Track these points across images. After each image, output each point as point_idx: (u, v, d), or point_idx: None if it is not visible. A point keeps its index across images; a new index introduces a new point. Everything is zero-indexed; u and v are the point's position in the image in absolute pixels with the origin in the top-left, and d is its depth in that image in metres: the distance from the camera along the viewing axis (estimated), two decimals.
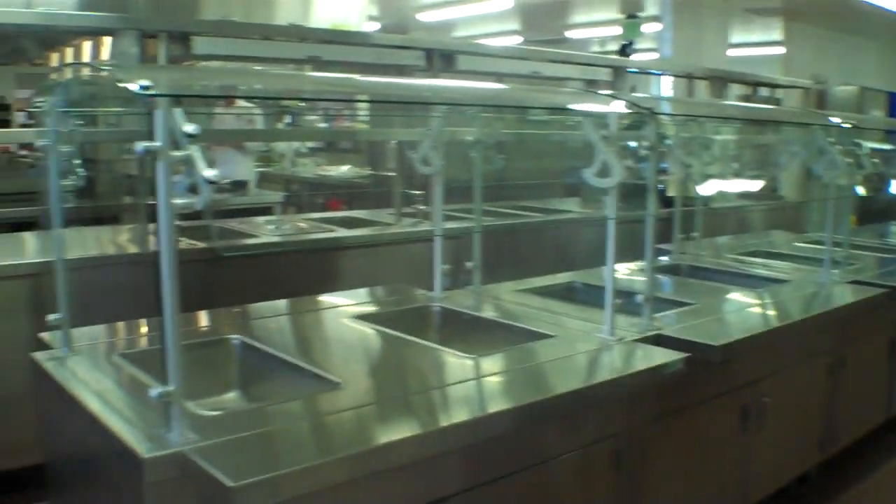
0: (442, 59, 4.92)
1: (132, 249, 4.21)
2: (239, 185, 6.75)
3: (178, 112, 1.74)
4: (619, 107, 2.92)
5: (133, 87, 1.71)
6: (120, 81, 1.84)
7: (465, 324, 3.16)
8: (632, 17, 10.79)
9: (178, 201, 1.77)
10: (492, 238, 3.77)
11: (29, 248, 4.41)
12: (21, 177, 7.54)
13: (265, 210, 6.12)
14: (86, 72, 2.79)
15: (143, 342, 2.73)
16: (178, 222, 1.79)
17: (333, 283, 4.34)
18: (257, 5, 6.83)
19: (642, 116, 2.93)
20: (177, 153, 1.74)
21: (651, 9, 10.27)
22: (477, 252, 3.47)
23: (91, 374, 2.31)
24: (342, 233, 4.85)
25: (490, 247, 3.55)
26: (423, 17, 10.22)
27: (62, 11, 4.53)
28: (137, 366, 2.35)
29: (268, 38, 4.58)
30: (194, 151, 1.74)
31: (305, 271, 4.25)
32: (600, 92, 4.12)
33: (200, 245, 3.96)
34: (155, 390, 1.83)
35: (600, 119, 2.80)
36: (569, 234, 5.63)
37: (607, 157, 2.69)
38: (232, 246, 4.38)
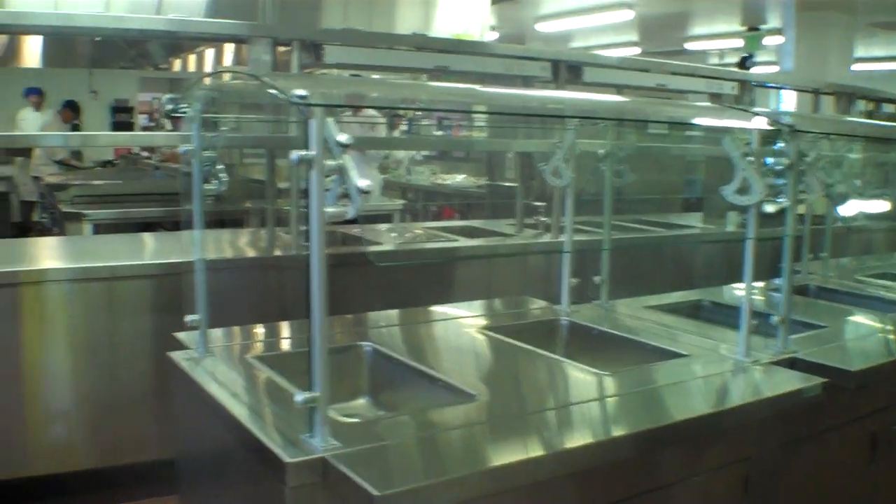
0: (568, 70, 4.87)
1: (257, 253, 4.29)
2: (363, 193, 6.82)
3: (330, 121, 1.76)
4: (760, 122, 2.84)
5: (290, 96, 1.72)
6: (274, 89, 1.86)
7: (594, 340, 3.11)
8: (753, 30, 10.57)
9: (330, 209, 1.78)
10: (613, 252, 3.71)
11: (153, 249, 4.55)
12: (143, 178, 7.81)
13: (384, 217, 6.17)
14: (227, 77, 2.84)
15: (278, 345, 2.77)
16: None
17: (452, 292, 4.34)
18: (379, 14, 6.91)
19: (780, 133, 2.84)
20: (330, 162, 1.75)
21: (773, 21, 10.04)
22: (605, 267, 3.42)
23: (228, 375, 2.35)
24: (465, 242, 4.85)
25: (612, 260, 3.50)
26: (542, 27, 10.18)
27: (195, 19, 4.67)
28: (274, 369, 2.37)
29: (393, 47, 4.61)
30: (347, 161, 1.75)
31: (424, 279, 4.26)
32: (743, 107, 4.03)
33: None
34: (300, 395, 1.84)
35: (741, 135, 2.72)
36: (691, 250, 5.52)
37: (748, 174, 2.62)
38: (382, 254, 4.43)
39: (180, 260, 3.98)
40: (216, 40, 5.42)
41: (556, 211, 4.89)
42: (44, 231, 8.12)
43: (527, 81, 4.86)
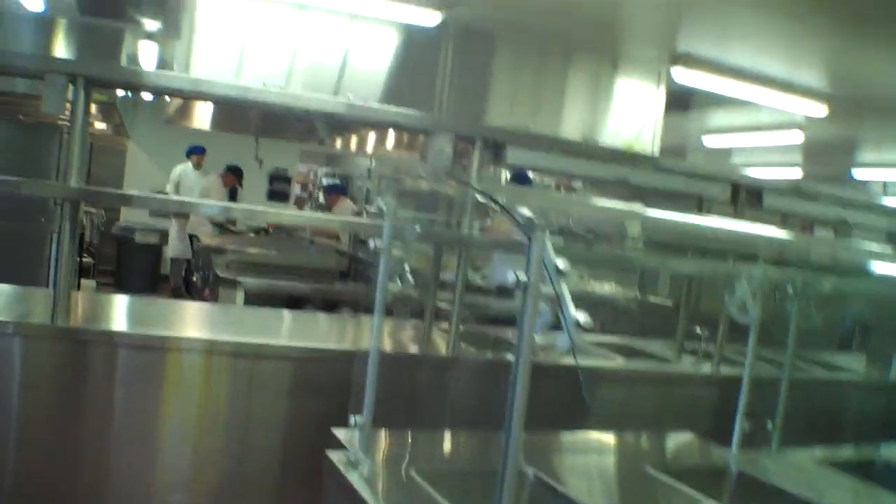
0: (750, 194, 4.67)
1: (418, 350, 4.18)
2: (505, 291, 6.70)
3: (549, 245, 1.64)
4: None
5: (518, 217, 1.62)
6: (495, 203, 1.77)
7: (769, 498, 2.86)
8: None
9: (538, 338, 1.66)
10: (773, 390, 3.46)
11: (299, 330, 4.50)
12: (297, 250, 7.90)
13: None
14: (421, 171, 2.78)
15: (445, 459, 2.65)
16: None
17: (603, 413, 4.13)
18: (546, 113, 6.86)
19: None
20: (545, 288, 1.64)
21: None
22: (780, 412, 3.19)
23: (392, 491, 2.23)
24: (626, 364, 4.63)
25: (774, 400, 3.28)
26: (708, 141, 9.97)
27: (379, 106, 4.69)
28: (439, 488, 2.24)
29: (570, 152, 4.53)
30: (564, 290, 1.63)
31: (571, 395, 4.07)
32: None
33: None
34: None
35: None
36: (855, 396, 5.17)
37: None
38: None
39: (328, 346, 3.94)
40: (397, 128, 5.43)
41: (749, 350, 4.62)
42: (195, 292, 8.31)
43: (702, 202, 4.69)
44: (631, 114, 6.72)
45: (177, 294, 11.00)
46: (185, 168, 10.47)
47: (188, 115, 7.87)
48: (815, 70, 6.27)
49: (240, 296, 5.78)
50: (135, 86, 4.08)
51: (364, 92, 5.81)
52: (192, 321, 4.36)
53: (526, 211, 1.62)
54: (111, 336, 3.52)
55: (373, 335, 2.45)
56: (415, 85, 6.04)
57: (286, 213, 4.72)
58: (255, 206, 5.30)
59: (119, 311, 4.32)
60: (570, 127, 6.66)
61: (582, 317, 1.60)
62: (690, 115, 8.94)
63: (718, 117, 9.17)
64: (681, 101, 7.70)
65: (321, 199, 11.44)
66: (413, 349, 4.19)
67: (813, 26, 5.01)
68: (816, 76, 6.36)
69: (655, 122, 6.73)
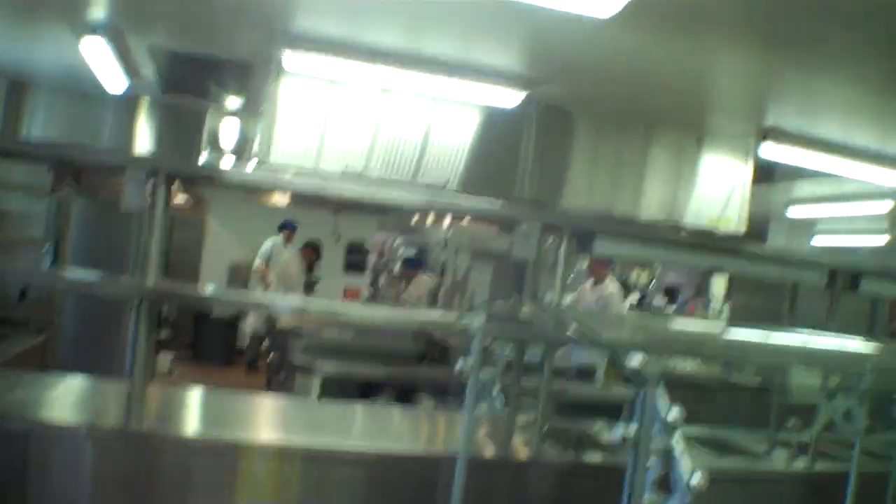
0: (847, 279, 4.43)
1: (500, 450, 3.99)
2: (585, 374, 6.48)
3: (661, 394, 1.49)
4: None
5: (625, 365, 1.47)
6: (599, 343, 1.62)
7: None
8: None
9: (647, 497, 1.50)
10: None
11: (376, 430, 4.33)
12: (373, 333, 7.77)
13: (613, 409, 5.72)
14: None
15: None
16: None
17: None
18: (623, 191, 6.67)
19: None
20: (658, 441, 1.48)
21: None
22: None
23: None
24: (715, 461, 4.36)
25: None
26: (793, 212, 9.66)
27: (464, 198, 4.61)
28: None
29: (656, 240, 4.36)
30: (678, 446, 1.47)
31: None
32: None
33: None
34: None
35: None
36: None
37: None
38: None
39: (405, 450, 3.78)
40: (481, 218, 5.33)
41: (816, 434, 4.36)
42: (272, 370, 8.28)
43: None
44: (717, 191, 6.54)
45: (251, 368, 11.01)
46: (275, 242, 10.41)
47: (268, 191, 7.85)
48: None
49: (315, 382, 5.68)
50: (215, 181, 4.05)
51: (443, 173, 5.76)
52: (265, 419, 4.25)
53: (635, 359, 1.47)
54: (183, 442, 3.45)
55: (459, 465, 2.31)
56: (496, 165, 5.96)
57: (360, 313, 4.63)
58: (332, 303, 5.23)
59: (191, 408, 4.24)
60: (651, 209, 6.47)
61: (699, 477, 1.44)
62: (776, 187, 8.69)
63: (804, 189, 8.89)
64: (765, 175, 7.50)
65: (397, 270, 11.38)
66: (497, 450, 3.99)
67: None
68: None
69: (742, 198, 6.53)
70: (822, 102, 5.24)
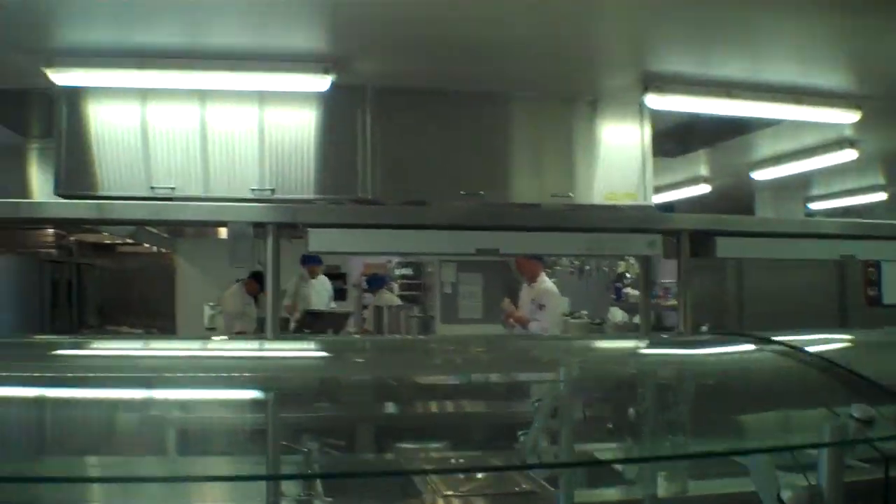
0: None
1: None
2: None
3: None
4: None
5: None
6: None
7: None
8: None
9: None
10: None
11: None
12: None
13: None
14: None
15: None
16: None
17: None
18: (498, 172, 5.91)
19: None
20: None
21: None
22: None
23: None
24: None
25: None
26: (758, 175, 8.97)
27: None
28: None
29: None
30: None
31: None
32: None
33: None
34: None
35: None
36: None
37: None
38: None
39: None
40: None
41: None
42: None
43: None
44: (619, 160, 5.90)
45: None
46: (299, 278, 9.80)
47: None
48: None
49: None
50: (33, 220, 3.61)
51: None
52: None
53: None
54: None
55: None
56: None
57: None
58: None
59: None
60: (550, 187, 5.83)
61: None
62: (737, 148, 8.02)
63: (765, 146, 8.18)
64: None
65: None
66: None
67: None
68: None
69: (644, 163, 5.88)
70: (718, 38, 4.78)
